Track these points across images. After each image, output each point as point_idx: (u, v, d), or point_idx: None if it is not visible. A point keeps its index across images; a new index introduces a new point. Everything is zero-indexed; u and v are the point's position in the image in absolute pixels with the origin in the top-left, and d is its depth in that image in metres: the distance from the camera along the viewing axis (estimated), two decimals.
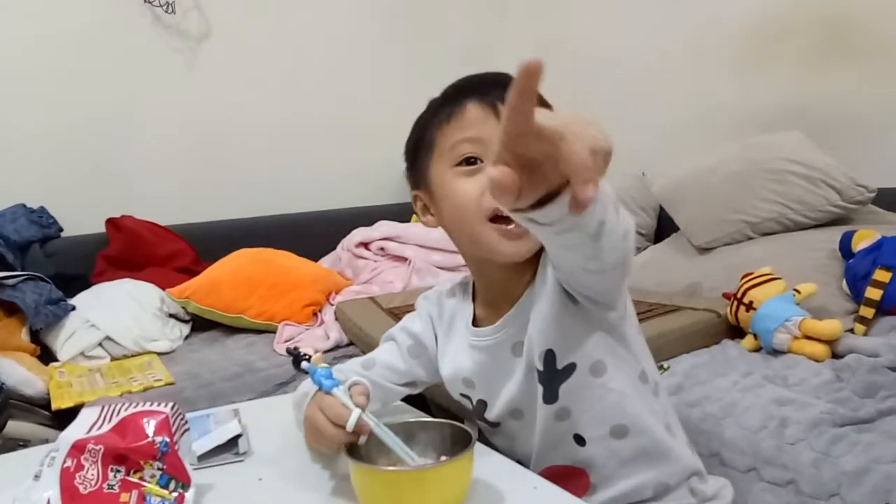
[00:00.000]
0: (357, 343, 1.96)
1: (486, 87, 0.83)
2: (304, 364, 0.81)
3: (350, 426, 0.74)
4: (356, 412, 0.75)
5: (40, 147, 2.49)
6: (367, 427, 0.75)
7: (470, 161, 0.83)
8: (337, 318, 2.09)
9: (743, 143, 2.21)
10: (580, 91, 3.08)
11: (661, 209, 2.58)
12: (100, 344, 1.98)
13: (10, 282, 1.93)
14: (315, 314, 2.24)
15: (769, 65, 2.43)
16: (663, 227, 2.62)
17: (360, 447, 0.76)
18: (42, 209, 2.47)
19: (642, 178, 2.75)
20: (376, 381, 0.94)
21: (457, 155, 0.84)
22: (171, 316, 2.20)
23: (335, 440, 0.77)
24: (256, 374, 1.77)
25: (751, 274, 1.72)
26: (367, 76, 3.11)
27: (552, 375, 0.83)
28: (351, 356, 1.79)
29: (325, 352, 1.96)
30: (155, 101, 2.69)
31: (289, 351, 0.85)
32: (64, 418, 1.66)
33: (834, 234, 1.78)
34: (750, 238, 2.04)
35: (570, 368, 0.83)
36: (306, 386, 0.86)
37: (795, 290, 1.60)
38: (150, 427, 0.77)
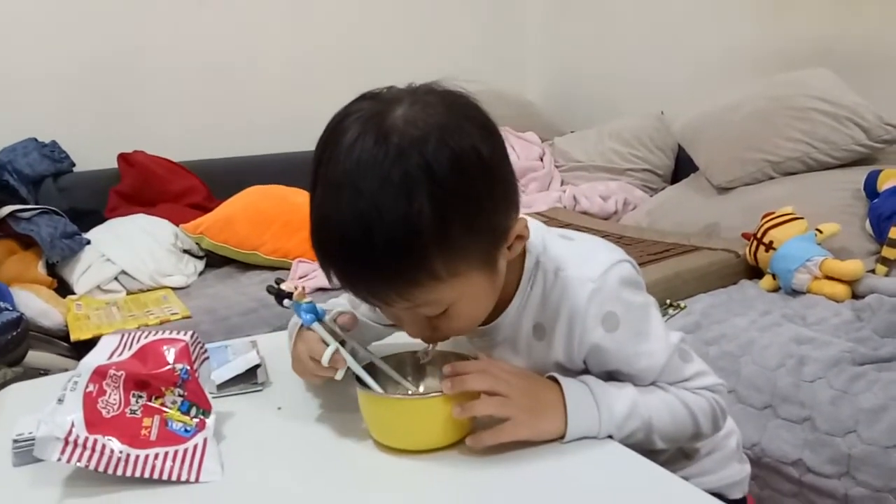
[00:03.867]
0: None
1: (341, 265, 0.66)
2: (286, 301, 0.80)
3: (325, 360, 0.73)
4: (331, 347, 0.74)
5: (52, 81, 2.45)
6: (342, 361, 0.74)
7: None
8: None
9: (767, 81, 2.15)
10: (598, 22, 3.01)
11: (680, 149, 2.53)
12: (115, 278, 1.99)
13: (25, 215, 1.93)
14: None
15: (796, 2, 2.34)
16: (681, 168, 2.58)
17: (371, 374, 0.75)
18: (54, 143, 2.45)
19: (661, 116, 2.69)
20: (361, 320, 0.92)
21: None
22: (185, 252, 2.21)
23: (313, 374, 0.77)
24: (272, 310, 1.77)
25: (771, 214, 1.69)
26: (381, 9, 3.03)
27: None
28: None
29: (339, 289, 1.96)
30: (167, 36, 2.64)
31: (269, 289, 0.84)
32: (82, 349, 1.69)
33: (858, 174, 1.74)
34: (771, 178, 2.00)
35: None
36: (297, 321, 0.84)
37: (817, 230, 1.58)
38: (170, 354, 0.77)
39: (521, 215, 0.70)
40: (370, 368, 0.77)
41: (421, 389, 0.80)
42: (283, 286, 0.81)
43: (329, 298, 1.80)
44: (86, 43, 2.49)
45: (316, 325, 0.76)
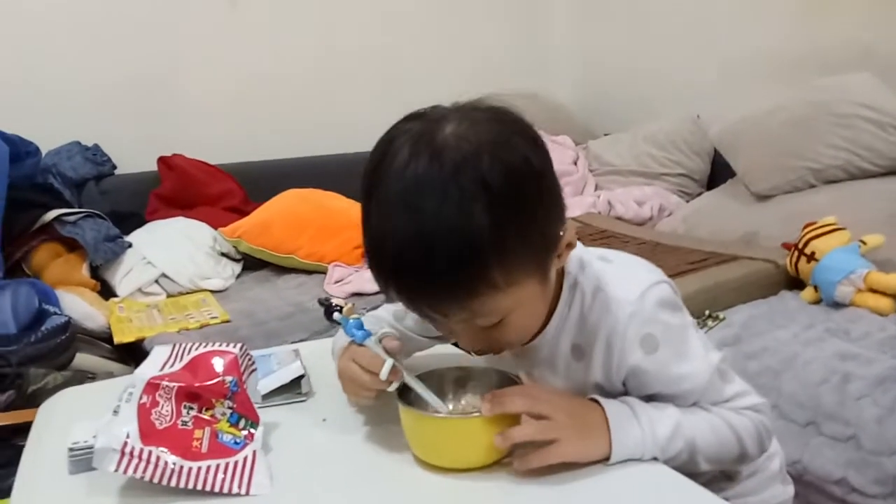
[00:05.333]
0: None
1: (402, 281, 0.66)
2: (335, 315, 0.80)
3: (384, 374, 0.74)
4: (389, 361, 0.74)
5: (95, 87, 2.50)
6: (399, 373, 0.75)
7: None
8: None
9: (807, 85, 2.11)
10: (632, 23, 2.98)
11: (716, 154, 2.50)
12: (156, 281, 2.03)
13: (71, 218, 1.98)
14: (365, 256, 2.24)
15: (834, 2, 2.28)
16: (717, 173, 2.54)
17: (411, 391, 0.76)
18: (96, 147, 2.49)
19: (697, 120, 2.65)
20: (406, 333, 0.93)
21: None
22: (223, 255, 2.24)
23: (370, 388, 0.78)
24: (309, 314, 1.79)
25: (813, 224, 1.66)
26: (408, 12, 3.04)
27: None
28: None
29: (373, 294, 1.98)
30: (204, 43, 2.68)
31: (320, 301, 0.85)
32: (125, 352, 1.73)
33: None
34: (812, 186, 1.97)
35: None
36: (343, 337, 0.85)
37: (861, 241, 1.55)
38: (219, 366, 0.78)
39: (570, 224, 0.71)
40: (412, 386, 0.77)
41: (462, 403, 0.80)
42: (334, 301, 0.82)
43: (365, 305, 1.82)
44: (128, 52, 2.54)
45: (370, 342, 0.77)
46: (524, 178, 0.65)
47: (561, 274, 0.75)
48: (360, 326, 0.77)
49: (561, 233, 0.69)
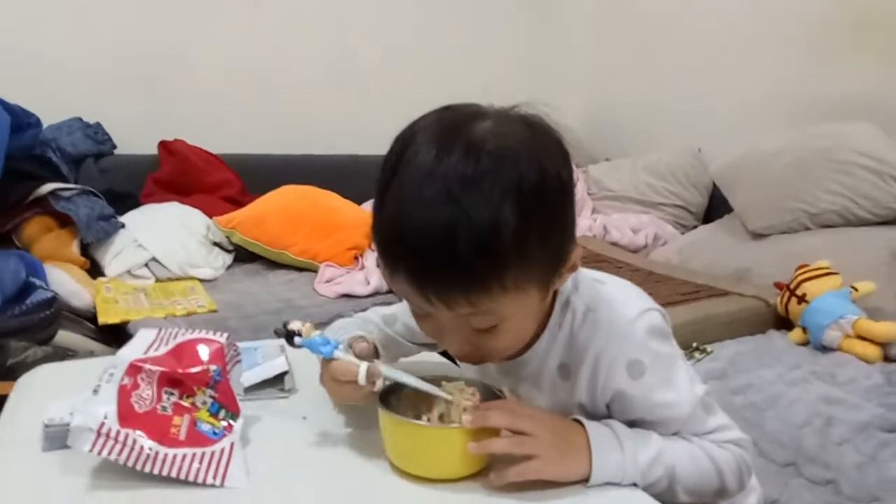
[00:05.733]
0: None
1: (417, 262, 0.64)
2: (296, 340, 0.78)
3: (361, 380, 0.73)
4: (364, 365, 0.74)
5: (101, 65, 2.50)
6: (378, 372, 0.74)
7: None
8: (378, 265, 2.09)
9: (810, 131, 2.13)
10: (642, 52, 3.00)
11: (715, 188, 2.52)
12: (146, 264, 2.02)
13: (66, 194, 1.96)
14: (357, 258, 2.24)
15: (842, 52, 2.30)
16: (714, 207, 2.56)
17: (397, 399, 0.75)
18: (98, 125, 2.49)
19: (698, 154, 2.67)
20: (395, 338, 0.93)
21: (397, 294, 0.72)
22: (216, 244, 2.23)
23: (354, 398, 0.77)
24: (297, 312, 1.79)
25: (806, 266, 1.67)
26: (419, 24, 3.06)
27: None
28: (390, 303, 1.80)
29: (365, 297, 1.97)
30: (215, 31, 2.68)
31: (277, 332, 0.83)
32: (108, 333, 1.71)
33: None
34: (808, 228, 1.98)
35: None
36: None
37: (853, 287, 1.56)
38: (205, 354, 0.77)
39: (578, 246, 0.71)
40: (399, 389, 0.76)
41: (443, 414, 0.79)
42: (290, 326, 0.80)
43: (354, 307, 1.81)
44: (138, 31, 2.54)
45: (338, 353, 0.76)
46: (555, 189, 0.65)
47: (554, 292, 0.75)
48: (326, 342, 0.76)
49: (571, 252, 0.69)
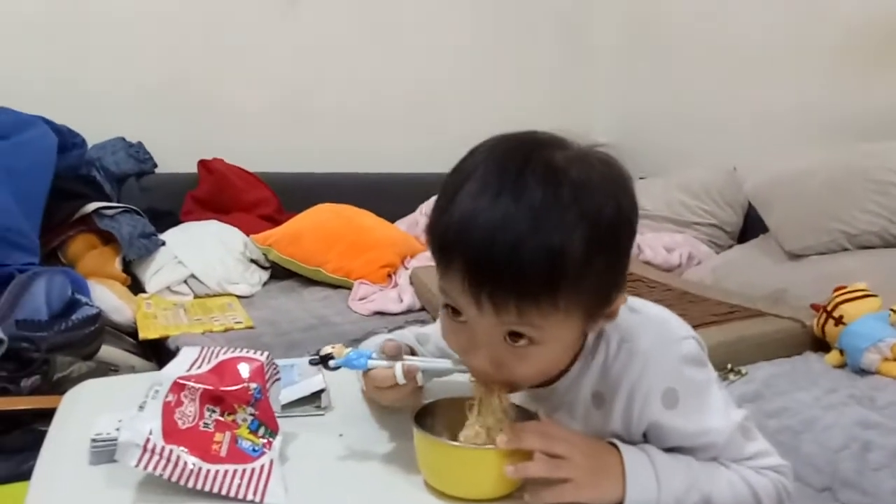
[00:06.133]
0: (429, 309, 1.99)
1: (479, 260, 0.65)
2: (332, 363, 0.81)
3: (399, 379, 0.76)
4: (398, 365, 0.76)
5: (144, 88, 2.58)
6: (415, 368, 0.76)
7: (453, 309, 0.72)
8: (412, 283, 2.12)
9: (847, 149, 2.11)
10: (674, 70, 3.00)
11: (750, 207, 2.49)
12: (185, 281, 2.06)
13: (109, 212, 2.02)
14: (390, 276, 2.27)
15: (879, 67, 2.27)
16: (749, 226, 2.53)
17: (433, 419, 0.76)
18: (140, 144, 2.55)
19: (733, 172, 2.65)
20: (426, 358, 0.94)
21: (444, 295, 0.72)
22: (252, 261, 2.27)
23: (402, 399, 0.79)
24: (332, 329, 1.81)
25: (844, 287, 1.65)
26: (455, 45, 3.10)
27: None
28: (422, 322, 1.82)
29: (398, 314, 1.99)
30: (254, 52, 2.75)
31: (312, 361, 0.85)
32: (148, 348, 1.75)
33: None
34: (846, 249, 1.95)
35: None
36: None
37: (892, 309, 1.53)
38: (245, 373, 0.80)
39: (623, 295, 0.71)
40: (435, 409, 0.78)
41: (474, 433, 0.80)
42: (322, 351, 0.83)
43: (386, 325, 1.83)
44: (178, 54, 2.62)
45: (372, 362, 0.78)
46: (623, 229, 0.67)
47: None
48: (359, 355, 0.79)
49: (616, 297, 0.70)
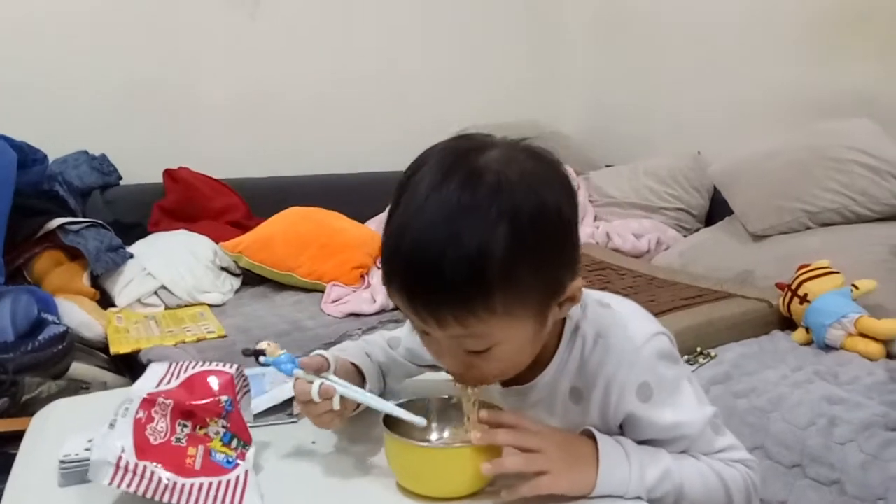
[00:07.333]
0: None
1: (409, 278, 0.66)
2: (262, 359, 0.82)
3: (315, 395, 0.76)
4: (317, 382, 0.77)
5: (104, 97, 2.53)
6: (332, 390, 0.77)
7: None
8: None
9: (807, 130, 2.15)
10: (640, 58, 3.03)
11: (716, 190, 2.53)
12: (155, 292, 2.04)
13: (74, 227, 1.99)
14: (363, 276, 2.27)
15: (840, 50, 2.31)
16: (715, 210, 2.57)
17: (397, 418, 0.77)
18: (103, 157, 2.52)
19: (698, 157, 2.69)
20: (398, 360, 0.95)
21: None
22: (223, 269, 2.26)
23: (314, 418, 0.80)
24: (305, 333, 1.81)
25: (807, 266, 1.69)
26: (421, 37, 3.09)
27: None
28: (397, 321, 1.82)
29: (371, 315, 1.99)
30: (215, 57, 2.72)
31: (244, 351, 0.86)
32: (121, 363, 1.73)
33: None
34: (808, 228, 1.99)
35: None
36: None
37: (853, 285, 1.57)
38: (215, 385, 0.80)
39: (578, 279, 0.72)
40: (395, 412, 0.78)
41: (445, 435, 0.81)
42: (258, 346, 0.83)
43: (361, 326, 1.83)
44: (137, 62, 2.57)
45: (297, 372, 0.79)
46: (551, 221, 0.67)
47: (563, 318, 0.77)
48: (290, 360, 0.79)
49: (568, 284, 0.71)
